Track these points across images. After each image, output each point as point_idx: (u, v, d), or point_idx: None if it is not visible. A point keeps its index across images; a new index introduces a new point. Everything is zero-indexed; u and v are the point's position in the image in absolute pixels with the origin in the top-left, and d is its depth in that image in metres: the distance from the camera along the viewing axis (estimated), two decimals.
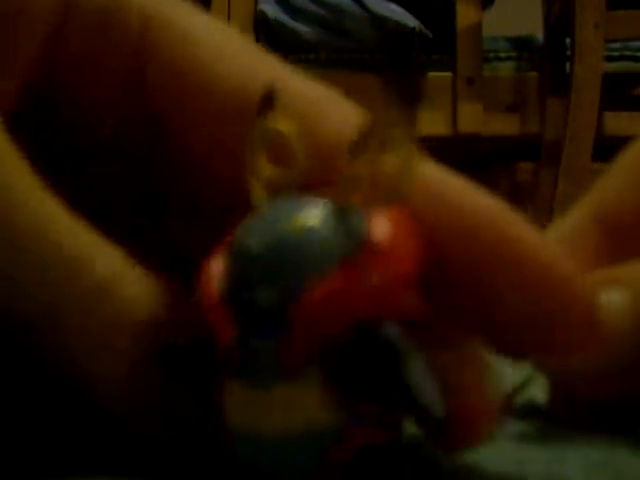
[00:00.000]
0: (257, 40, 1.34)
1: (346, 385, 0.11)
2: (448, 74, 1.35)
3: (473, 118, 1.32)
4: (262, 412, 0.11)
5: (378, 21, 1.33)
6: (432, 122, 1.35)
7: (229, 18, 1.32)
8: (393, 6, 1.36)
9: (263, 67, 0.15)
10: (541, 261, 0.13)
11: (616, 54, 1.43)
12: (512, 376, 0.20)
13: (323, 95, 0.15)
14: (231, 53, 0.14)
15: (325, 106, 0.14)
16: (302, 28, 1.33)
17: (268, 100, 0.12)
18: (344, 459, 0.12)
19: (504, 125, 1.36)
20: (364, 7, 1.33)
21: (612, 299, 0.16)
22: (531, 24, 1.51)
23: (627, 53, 1.44)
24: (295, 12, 1.34)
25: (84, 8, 0.14)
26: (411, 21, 1.33)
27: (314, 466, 0.12)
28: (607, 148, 1.16)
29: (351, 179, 0.12)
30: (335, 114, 0.14)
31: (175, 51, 0.14)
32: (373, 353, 0.11)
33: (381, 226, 0.11)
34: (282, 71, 0.15)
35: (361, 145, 0.12)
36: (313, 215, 0.11)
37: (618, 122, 1.39)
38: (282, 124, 0.12)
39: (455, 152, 1.55)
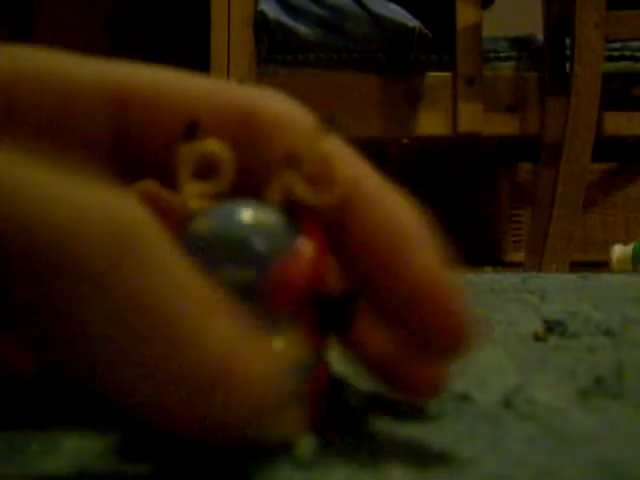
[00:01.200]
0: (257, 40, 1.34)
1: (317, 329, 0.15)
2: (448, 74, 1.35)
3: (473, 118, 1.32)
4: None
5: (378, 21, 1.33)
6: (432, 122, 1.35)
7: (229, 18, 1.32)
8: (393, 6, 1.36)
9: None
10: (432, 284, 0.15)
11: (616, 54, 1.43)
12: None
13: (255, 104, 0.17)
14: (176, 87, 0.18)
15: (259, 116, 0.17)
16: (302, 28, 1.33)
17: (191, 129, 0.15)
18: (320, 390, 0.16)
19: (504, 125, 1.36)
20: (364, 7, 1.33)
21: None
22: (531, 24, 1.51)
23: (627, 53, 1.44)
24: (295, 12, 1.34)
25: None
26: (411, 21, 1.33)
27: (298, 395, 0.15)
28: (607, 148, 1.17)
29: (278, 185, 0.15)
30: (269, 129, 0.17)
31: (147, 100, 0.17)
32: (335, 303, 0.15)
33: (306, 222, 0.15)
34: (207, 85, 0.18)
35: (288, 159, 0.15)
36: (261, 210, 0.15)
37: (618, 122, 1.39)
38: (208, 145, 0.15)
39: (455, 152, 1.55)
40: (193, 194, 0.15)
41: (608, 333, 0.34)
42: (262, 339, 0.13)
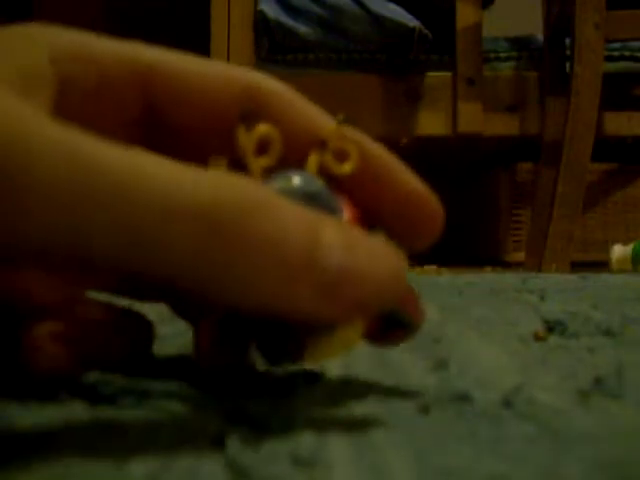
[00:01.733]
0: (257, 40, 1.34)
1: None
2: (448, 74, 1.35)
3: (473, 118, 1.32)
4: None
5: (378, 21, 1.33)
6: (432, 122, 1.35)
7: (229, 18, 1.32)
8: (393, 6, 1.36)
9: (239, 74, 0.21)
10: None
11: (616, 54, 1.43)
12: None
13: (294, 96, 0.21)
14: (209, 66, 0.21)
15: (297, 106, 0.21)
16: (302, 28, 1.33)
17: (248, 115, 0.19)
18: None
19: (504, 125, 1.36)
20: (364, 7, 1.32)
21: None
22: (531, 24, 1.51)
23: (627, 53, 1.44)
24: (295, 12, 1.34)
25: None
26: (411, 21, 1.33)
27: None
28: (607, 148, 1.17)
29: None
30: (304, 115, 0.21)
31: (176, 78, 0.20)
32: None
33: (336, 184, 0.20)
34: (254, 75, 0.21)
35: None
36: (314, 179, 0.19)
37: (618, 122, 1.39)
38: (262, 128, 0.19)
39: (455, 152, 1.55)
40: (260, 167, 0.19)
41: (608, 333, 0.34)
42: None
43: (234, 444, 0.16)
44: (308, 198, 0.18)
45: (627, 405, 0.20)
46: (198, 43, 1.42)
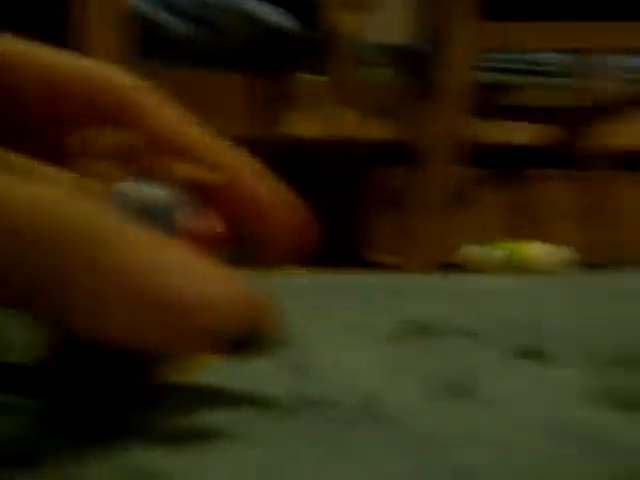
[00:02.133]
0: (127, 34, 1.30)
1: None
2: (324, 78, 1.36)
3: (346, 122, 1.34)
4: None
5: (252, 19, 1.32)
6: (307, 124, 1.36)
7: (98, 14, 1.28)
8: (270, 6, 1.35)
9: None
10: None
11: (487, 65, 1.49)
12: None
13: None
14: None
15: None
16: (175, 24, 1.31)
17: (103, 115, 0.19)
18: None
19: (379, 130, 1.38)
20: (237, 4, 1.31)
21: None
22: (406, 32, 1.55)
23: (497, 65, 1.50)
24: (168, 7, 1.31)
25: None
26: (288, 22, 1.33)
27: None
28: (479, 154, 1.21)
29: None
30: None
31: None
32: None
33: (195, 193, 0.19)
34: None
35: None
36: (164, 190, 0.18)
37: (489, 130, 1.45)
38: (117, 131, 0.19)
39: (332, 156, 1.56)
40: (111, 173, 0.19)
41: (466, 333, 0.35)
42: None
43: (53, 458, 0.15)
44: (155, 211, 0.18)
45: (481, 406, 0.20)
46: (61, 36, 1.37)
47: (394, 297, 0.55)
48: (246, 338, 0.19)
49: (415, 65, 1.40)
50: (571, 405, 0.20)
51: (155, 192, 0.18)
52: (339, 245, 1.56)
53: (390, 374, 0.25)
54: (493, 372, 0.25)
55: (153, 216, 0.18)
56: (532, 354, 0.28)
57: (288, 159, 1.52)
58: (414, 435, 0.17)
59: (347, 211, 1.60)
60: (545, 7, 1.27)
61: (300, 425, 0.18)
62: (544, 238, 1.41)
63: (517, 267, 1.10)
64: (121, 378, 0.18)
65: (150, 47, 1.31)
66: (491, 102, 1.46)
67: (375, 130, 1.38)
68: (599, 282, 0.77)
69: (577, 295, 0.59)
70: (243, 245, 0.21)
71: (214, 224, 0.20)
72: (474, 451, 0.16)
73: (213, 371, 0.25)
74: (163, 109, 0.20)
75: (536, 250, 1.11)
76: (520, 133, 1.46)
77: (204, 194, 0.19)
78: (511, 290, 0.63)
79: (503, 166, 1.53)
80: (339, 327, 0.38)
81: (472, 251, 1.17)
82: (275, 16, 1.32)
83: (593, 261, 1.42)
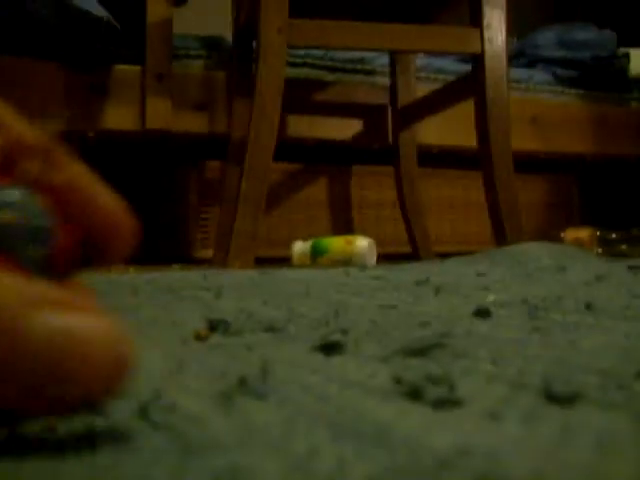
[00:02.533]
0: None
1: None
2: (137, 68, 1.32)
3: (162, 114, 1.31)
4: None
5: (63, 6, 1.25)
6: (120, 117, 1.31)
7: None
8: None
9: None
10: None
11: (299, 61, 1.51)
12: None
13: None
14: None
15: None
16: None
17: None
18: None
19: (193, 123, 1.36)
20: None
21: None
22: (221, 25, 1.54)
23: (309, 60, 1.52)
24: None
25: None
26: (100, 11, 1.28)
27: None
28: (289, 149, 1.22)
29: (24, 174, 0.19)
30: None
31: None
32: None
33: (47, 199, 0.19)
34: None
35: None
36: (25, 196, 0.19)
37: (300, 125, 1.47)
38: None
39: (144, 148, 1.52)
40: None
41: (271, 329, 0.35)
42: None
43: None
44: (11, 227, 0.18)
45: (269, 405, 0.20)
46: None
47: (206, 294, 0.54)
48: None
49: (229, 58, 1.39)
50: (360, 399, 0.20)
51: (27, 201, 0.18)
52: (167, 242, 1.53)
53: (180, 374, 0.24)
54: (290, 367, 0.25)
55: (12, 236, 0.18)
56: (332, 348, 0.28)
57: (103, 154, 1.47)
58: (190, 441, 0.17)
59: (170, 207, 1.57)
60: (357, 7, 1.31)
61: (73, 439, 0.17)
62: (364, 232, 1.46)
63: (337, 261, 1.13)
64: None
65: None
66: (304, 98, 1.49)
67: (189, 123, 1.36)
68: (407, 273, 0.80)
69: (383, 287, 0.61)
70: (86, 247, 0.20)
71: (70, 226, 0.20)
72: (245, 454, 0.16)
73: None
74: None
75: (356, 244, 1.14)
76: (332, 128, 1.50)
77: (50, 196, 0.20)
78: (323, 284, 0.64)
79: (323, 162, 1.56)
80: (143, 326, 0.37)
81: (296, 246, 1.19)
82: (87, 4, 1.27)
83: (405, 252, 1.49)
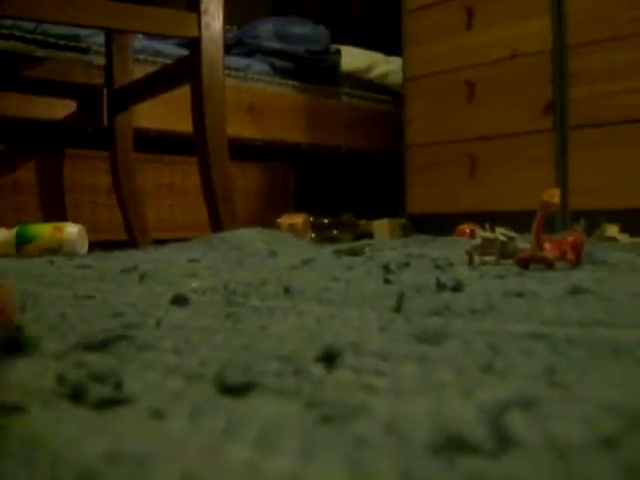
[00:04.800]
0: None
1: None
2: None
3: None
4: None
5: None
6: None
7: None
8: None
9: None
10: None
11: (5, 32, 1.39)
12: None
13: None
14: None
15: None
16: None
17: None
18: None
19: None
20: None
21: None
22: None
23: (17, 33, 1.41)
24: None
25: None
26: None
27: None
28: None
29: None
30: None
31: None
32: None
33: None
34: None
35: None
36: None
37: (6, 103, 1.35)
38: None
39: None
40: None
41: None
42: None
43: None
44: None
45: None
46: None
47: None
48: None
49: None
50: (22, 405, 0.18)
51: None
52: None
53: None
54: None
55: None
56: (7, 346, 0.26)
57: None
58: None
59: None
60: None
61: None
62: (78, 219, 1.38)
63: (46, 249, 1.06)
64: None
65: None
66: (12, 73, 1.38)
67: None
68: (116, 261, 0.77)
69: (87, 276, 0.57)
70: None
71: None
72: None
73: None
74: None
75: (65, 230, 1.07)
76: (43, 108, 1.40)
77: None
78: (21, 275, 0.59)
79: (33, 144, 1.45)
80: None
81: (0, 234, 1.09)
82: None
83: (122, 240, 1.44)
